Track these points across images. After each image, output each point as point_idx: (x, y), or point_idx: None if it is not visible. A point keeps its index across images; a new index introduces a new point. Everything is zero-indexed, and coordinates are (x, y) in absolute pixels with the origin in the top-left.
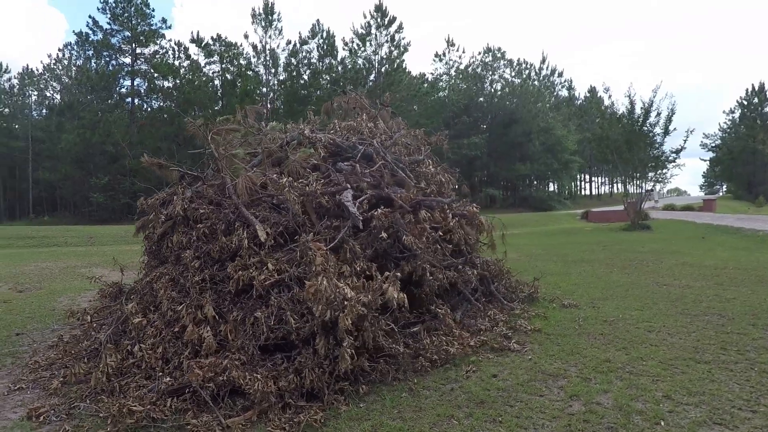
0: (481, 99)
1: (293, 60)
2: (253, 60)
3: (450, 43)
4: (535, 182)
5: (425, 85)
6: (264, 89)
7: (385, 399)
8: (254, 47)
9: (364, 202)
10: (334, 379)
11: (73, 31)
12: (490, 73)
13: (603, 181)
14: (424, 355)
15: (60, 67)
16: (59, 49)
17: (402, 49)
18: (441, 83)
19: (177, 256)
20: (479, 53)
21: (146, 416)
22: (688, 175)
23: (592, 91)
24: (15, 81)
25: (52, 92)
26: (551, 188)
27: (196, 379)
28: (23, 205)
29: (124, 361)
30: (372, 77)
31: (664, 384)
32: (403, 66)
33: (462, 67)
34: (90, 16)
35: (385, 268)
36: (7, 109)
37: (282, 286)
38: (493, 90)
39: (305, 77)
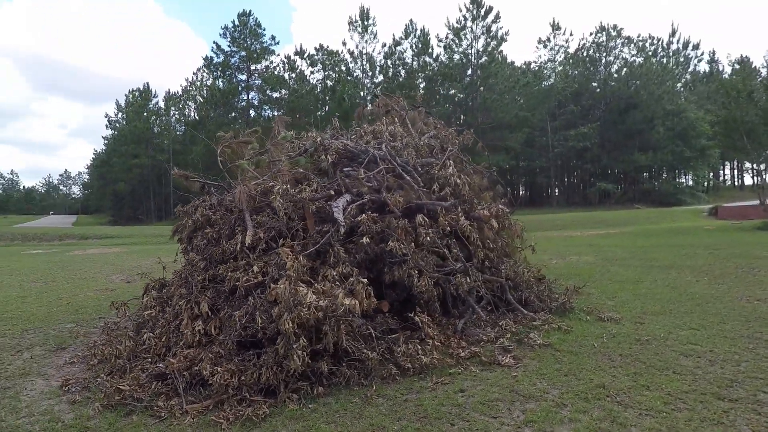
0: (594, 84)
1: (388, 62)
2: (351, 65)
3: (555, 27)
4: (664, 174)
5: (528, 74)
6: (362, 92)
7: (336, 403)
8: (351, 53)
9: (353, 207)
10: (293, 378)
11: (202, 57)
12: (605, 54)
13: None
14: (394, 363)
15: (194, 89)
16: (193, 73)
17: (499, 40)
18: (545, 71)
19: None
20: (590, 33)
21: (130, 395)
22: None
23: (744, 62)
24: (161, 103)
25: (188, 111)
26: (684, 180)
27: (171, 368)
28: (168, 208)
29: (138, 347)
30: (468, 72)
31: (650, 421)
32: (501, 57)
33: (570, 51)
34: (214, 42)
35: (381, 273)
36: (156, 128)
37: (264, 287)
38: (607, 73)
39: (400, 77)
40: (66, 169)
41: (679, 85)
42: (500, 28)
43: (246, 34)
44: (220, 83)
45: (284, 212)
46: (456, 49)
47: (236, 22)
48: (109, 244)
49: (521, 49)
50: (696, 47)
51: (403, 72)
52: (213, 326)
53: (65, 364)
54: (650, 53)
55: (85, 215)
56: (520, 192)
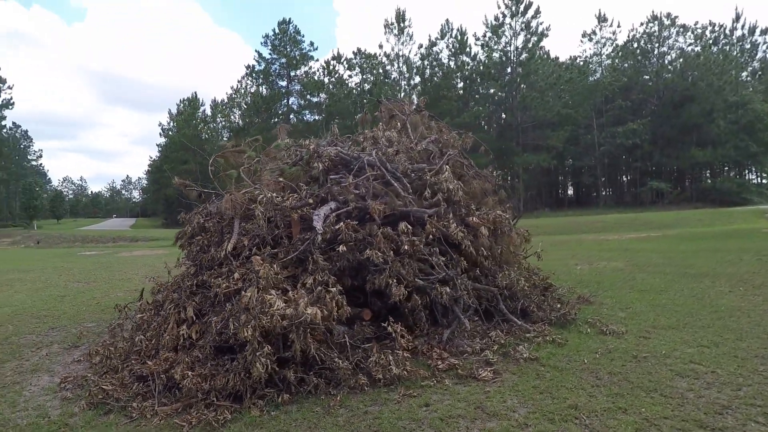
0: (646, 77)
1: (425, 62)
2: (388, 68)
3: (601, 19)
4: (727, 170)
5: (572, 70)
6: (401, 94)
7: (297, 411)
8: (387, 56)
9: (333, 215)
10: (261, 385)
11: (245, 66)
12: (657, 45)
13: None
14: (366, 373)
15: (238, 96)
16: (238, 81)
17: (540, 36)
18: (591, 65)
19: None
20: (641, 24)
21: (112, 395)
22: None
23: None
24: (208, 111)
25: (234, 117)
26: (753, 177)
27: (150, 370)
28: None
29: (132, 348)
30: (508, 70)
31: None
32: (542, 53)
33: (619, 43)
34: (256, 51)
35: (365, 281)
36: (204, 135)
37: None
38: (660, 65)
39: (436, 78)
40: (127, 175)
41: (744, 74)
42: (541, 24)
43: (286, 42)
44: (264, 90)
45: (268, 220)
46: (495, 47)
47: (276, 30)
48: (154, 246)
49: (564, 44)
50: (765, 32)
51: (439, 73)
52: (194, 331)
53: (72, 362)
54: (710, 41)
55: (143, 218)
56: (568, 192)
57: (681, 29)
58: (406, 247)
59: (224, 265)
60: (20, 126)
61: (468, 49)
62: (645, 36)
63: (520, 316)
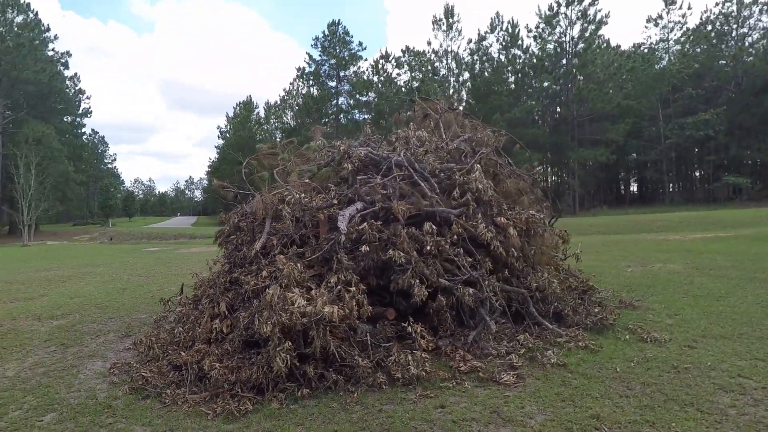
0: (722, 62)
1: (474, 57)
2: (436, 65)
3: (669, 2)
4: None
5: (634, 58)
6: (449, 91)
7: (315, 406)
8: (435, 52)
9: (359, 215)
10: (283, 379)
11: (295, 68)
12: (736, 26)
13: None
14: (387, 372)
15: (290, 97)
16: (290, 83)
17: (598, 24)
18: (657, 52)
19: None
20: (716, 4)
21: (150, 382)
22: None
23: None
24: (263, 113)
25: (287, 118)
26: None
27: (183, 360)
28: None
29: (172, 339)
30: (563, 61)
31: None
32: (601, 42)
33: (689, 27)
34: (307, 53)
35: (390, 281)
36: (259, 136)
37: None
38: (739, 48)
39: (486, 73)
40: (190, 176)
41: None
42: (599, 11)
43: (335, 43)
44: (315, 90)
45: (297, 220)
46: (548, 38)
47: (326, 32)
48: (210, 243)
49: (627, 31)
50: None
51: (489, 69)
52: (225, 325)
53: (123, 349)
54: None
55: (204, 216)
56: (631, 189)
57: (765, 7)
58: (429, 248)
59: (254, 264)
60: (98, 132)
61: (520, 42)
62: (721, 17)
63: (554, 320)
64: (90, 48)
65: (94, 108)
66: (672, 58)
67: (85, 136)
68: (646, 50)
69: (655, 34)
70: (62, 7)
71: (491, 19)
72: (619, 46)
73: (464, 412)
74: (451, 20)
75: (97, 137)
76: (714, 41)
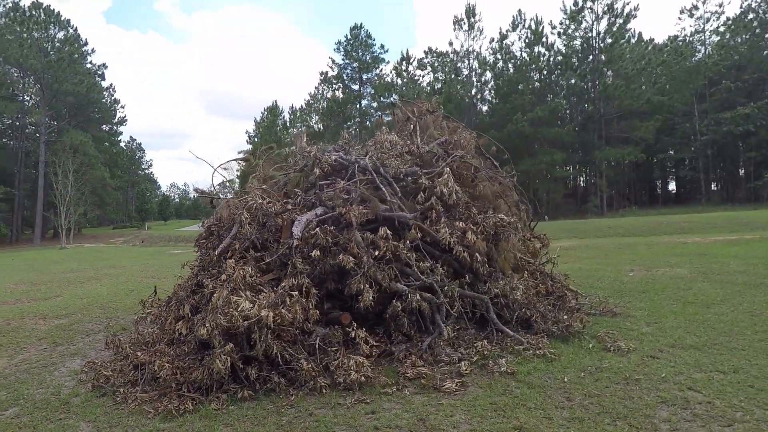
0: (765, 52)
1: (497, 57)
2: (458, 65)
3: None
4: None
5: (665, 51)
6: (472, 91)
7: (251, 408)
8: (455, 53)
9: (315, 220)
10: (227, 380)
11: (319, 72)
12: None
13: None
14: (330, 376)
15: (315, 101)
16: (315, 87)
17: (626, 17)
18: (692, 45)
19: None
20: None
21: (109, 380)
22: None
23: None
24: (288, 117)
25: (312, 122)
26: None
27: (140, 361)
28: None
29: (142, 339)
30: (590, 58)
31: None
32: (630, 36)
33: (728, 16)
34: (330, 58)
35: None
36: (285, 140)
37: None
38: None
39: (509, 72)
40: (223, 179)
41: None
42: (627, 4)
43: (357, 46)
44: (340, 94)
45: (264, 225)
46: (574, 35)
47: (348, 36)
48: None
49: (660, 24)
50: None
51: (511, 67)
52: (185, 327)
53: (103, 349)
54: None
55: None
56: (669, 188)
57: None
58: (377, 253)
59: (215, 267)
60: (135, 139)
61: (544, 39)
62: (764, 4)
63: (521, 327)
64: (131, 58)
65: (134, 115)
66: (709, 50)
67: (123, 143)
68: (680, 43)
69: (690, 26)
70: (107, 21)
71: (513, 17)
72: (653, 39)
73: (392, 418)
74: (472, 20)
75: (134, 144)
76: (756, 30)
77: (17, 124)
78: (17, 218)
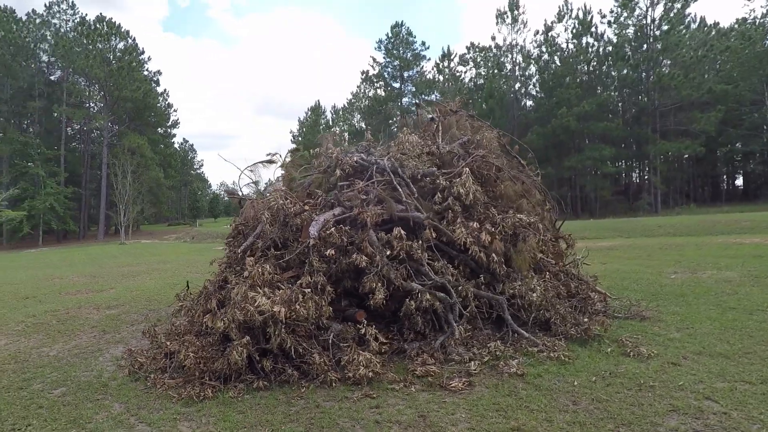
0: None
1: (542, 49)
2: (502, 59)
3: None
4: None
5: (730, 37)
6: (516, 85)
7: (264, 398)
8: (498, 47)
9: (332, 221)
10: (245, 371)
11: (360, 71)
12: None
13: None
14: (340, 370)
15: (356, 100)
16: (357, 86)
17: (684, 2)
18: (762, 28)
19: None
20: None
21: (143, 366)
22: None
23: None
24: (330, 116)
25: (354, 121)
26: None
27: (168, 349)
28: None
29: (175, 329)
30: (644, 47)
31: None
32: (690, 21)
33: None
34: (371, 57)
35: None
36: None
37: None
38: None
39: (555, 65)
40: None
41: None
42: None
43: (398, 44)
44: (382, 92)
45: (286, 224)
46: (626, 23)
47: (389, 34)
48: None
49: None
50: None
51: (557, 59)
52: (211, 319)
53: (142, 337)
54: None
55: None
56: (736, 183)
57: None
58: (388, 252)
59: (239, 265)
60: (188, 140)
61: (593, 29)
62: None
63: (541, 328)
64: (186, 63)
65: (189, 118)
66: None
67: (176, 145)
68: (749, 26)
69: (762, 6)
70: (163, 30)
71: (559, 7)
72: (717, 24)
73: (394, 414)
74: (516, 12)
75: (186, 145)
76: None
77: (84, 129)
78: (84, 216)
